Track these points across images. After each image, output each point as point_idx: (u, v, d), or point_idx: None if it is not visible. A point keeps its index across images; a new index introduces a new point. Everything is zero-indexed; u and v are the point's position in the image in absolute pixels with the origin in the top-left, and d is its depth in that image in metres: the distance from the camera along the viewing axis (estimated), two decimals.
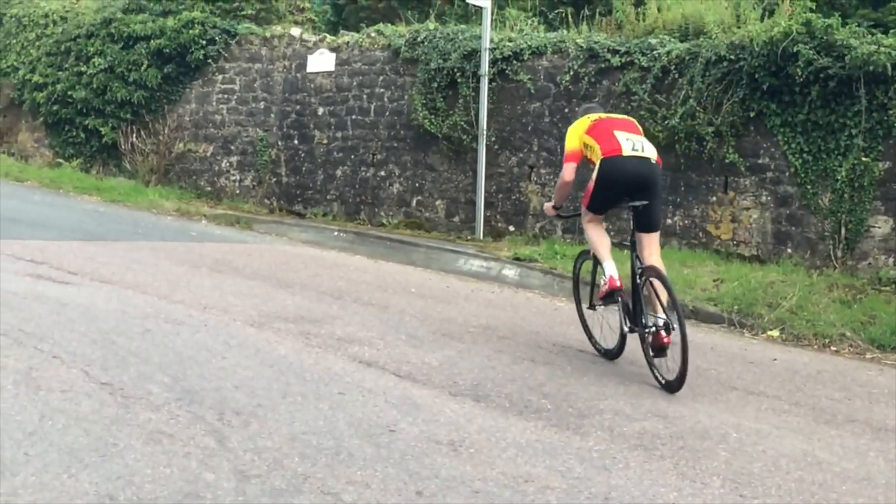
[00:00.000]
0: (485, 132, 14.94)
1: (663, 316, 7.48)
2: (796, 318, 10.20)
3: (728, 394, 7.45)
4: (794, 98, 12.35)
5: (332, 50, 17.24)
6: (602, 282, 8.00)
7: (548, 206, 8.94)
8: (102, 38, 19.53)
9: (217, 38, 18.43)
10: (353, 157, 16.86)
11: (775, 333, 10.06)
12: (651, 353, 7.60)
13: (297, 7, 20.05)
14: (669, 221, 13.55)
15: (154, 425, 5.31)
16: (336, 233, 15.37)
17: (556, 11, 17.27)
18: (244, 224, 15.88)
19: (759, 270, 11.71)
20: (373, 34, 16.90)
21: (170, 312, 8.14)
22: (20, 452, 4.73)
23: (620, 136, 7.93)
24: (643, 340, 7.81)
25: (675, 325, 7.32)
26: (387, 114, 16.43)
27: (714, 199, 13.22)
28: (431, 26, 16.33)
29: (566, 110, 14.43)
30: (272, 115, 17.95)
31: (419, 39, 16.00)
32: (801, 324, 10.08)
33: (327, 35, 18.01)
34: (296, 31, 18.06)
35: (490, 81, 14.89)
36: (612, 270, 7.91)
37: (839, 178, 12.08)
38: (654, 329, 7.52)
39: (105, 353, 6.62)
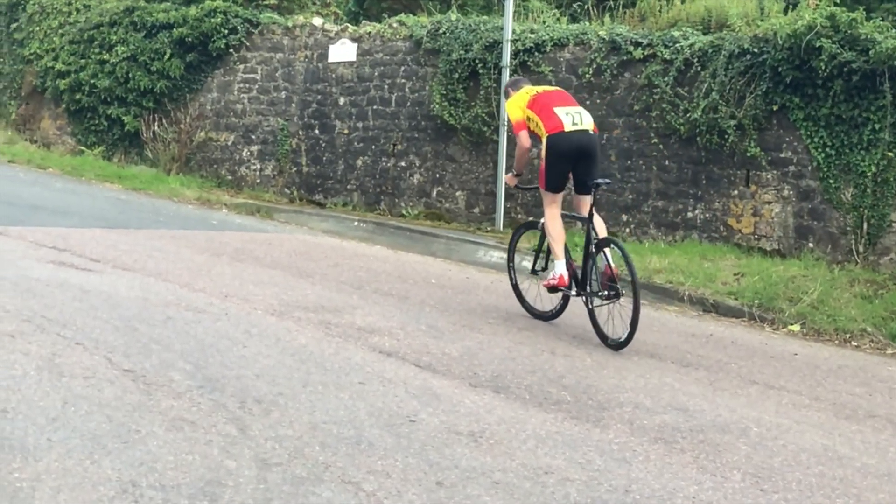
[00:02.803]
0: (506, 124, 14.92)
1: (615, 284, 8.37)
2: (817, 312, 10.17)
3: (748, 388, 7.44)
4: (818, 92, 12.29)
5: (354, 40, 17.24)
6: (551, 275, 8.78)
7: (508, 176, 9.70)
8: (125, 27, 19.58)
9: (239, 27, 18.44)
10: (373, 147, 16.87)
11: (796, 328, 10.03)
12: (605, 301, 8.44)
13: (321, 1, 20.04)
14: (690, 214, 13.52)
15: (176, 412, 5.33)
16: (356, 223, 15.39)
17: (578, 3, 17.22)
18: (264, 213, 15.91)
19: (781, 265, 11.67)
20: (395, 24, 16.89)
21: (191, 300, 8.17)
22: (43, 438, 4.76)
23: (560, 111, 8.78)
24: (590, 304, 8.59)
25: (623, 291, 8.36)
26: (408, 104, 16.42)
27: (736, 192, 13.18)
28: (453, 17, 16.30)
29: (587, 103, 14.38)
30: (293, 105, 17.96)
31: (441, 30, 15.98)
32: (822, 319, 10.06)
33: (349, 25, 17.99)
34: (318, 21, 18.06)
35: (511, 73, 14.85)
36: (563, 269, 8.71)
37: (862, 172, 12.02)
38: (605, 293, 8.42)
39: (127, 340, 6.66)
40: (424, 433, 5.49)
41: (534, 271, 9.46)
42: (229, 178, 18.57)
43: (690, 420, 6.35)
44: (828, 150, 12.31)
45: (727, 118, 12.95)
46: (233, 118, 18.69)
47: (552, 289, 8.83)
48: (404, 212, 16.26)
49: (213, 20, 18.44)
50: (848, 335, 9.79)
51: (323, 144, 17.55)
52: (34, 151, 20.11)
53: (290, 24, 18.17)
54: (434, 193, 16.11)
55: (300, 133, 17.85)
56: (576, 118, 8.76)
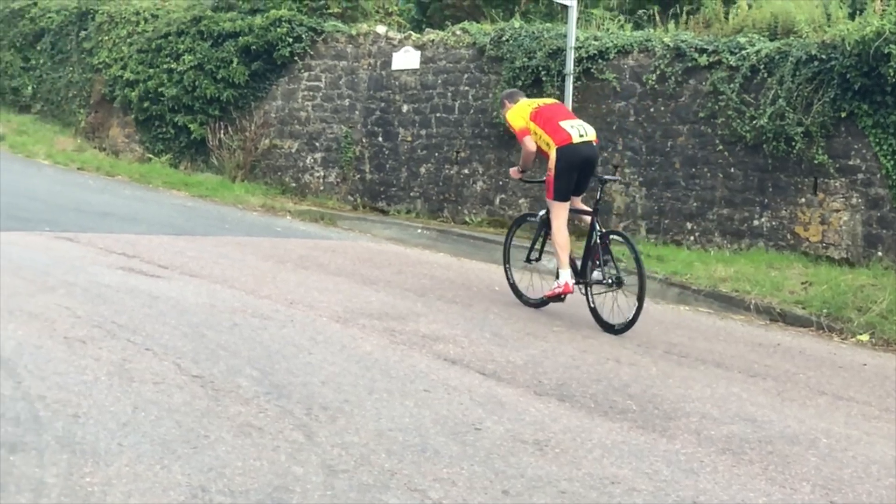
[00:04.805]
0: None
1: (615, 272, 9.15)
2: (887, 322, 10.02)
3: (817, 398, 7.35)
4: (886, 99, 12.11)
5: (418, 48, 17.29)
6: (556, 284, 9.40)
7: (513, 170, 10.38)
8: (192, 36, 19.82)
9: (304, 35, 18.58)
10: (436, 154, 16.91)
11: (865, 338, 9.89)
12: (606, 289, 9.16)
13: (384, 10, 20.14)
14: (756, 223, 13.38)
15: (244, 418, 5.38)
16: (419, 230, 15.43)
17: (642, 10, 17.12)
18: (328, 220, 16.01)
19: (849, 273, 11.51)
20: (458, 32, 16.92)
21: (257, 307, 8.24)
22: (114, 443, 4.82)
23: (566, 125, 9.44)
24: (588, 291, 9.31)
25: (625, 280, 9.10)
26: (471, 112, 16.44)
27: (803, 200, 13.02)
28: (517, 24, 16.29)
29: (651, 110, 14.32)
30: (357, 113, 18.06)
31: (504, 38, 15.98)
32: (891, 329, 9.90)
33: (412, 33, 18.06)
34: (381, 29, 18.15)
35: (575, 80, 14.82)
36: (569, 278, 9.34)
37: None
38: (608, 281, 9.13)
39: (195, 346, 6.73)
40: (490, 441, 5.49)
41: (528, 260, 10.07)
42: (293, 185, 18.71)
43: (758, 431, 6.28)
44: None
45: (794, 125, 12.80)
46: (297, 126, 18.84)
47: (556, 297, 9.44)
48: (467, 219, 16.28)
49: (278, 29, 18.61)
50: None
51: (386, 152, 17.63)
52: (103, 159, 20.40)
53: (353, 32, 18.28)
54: (497, 201, 16.12)
55: (364, 140, 17.95)
56: (581, 130, 9.42)
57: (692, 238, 13.92)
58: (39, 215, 12.18)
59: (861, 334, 9.95)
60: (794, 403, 7.12)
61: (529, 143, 9.59)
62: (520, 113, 9.74)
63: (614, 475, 5.17)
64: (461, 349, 7.61)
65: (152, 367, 6.13)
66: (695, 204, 13.95)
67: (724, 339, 9.32)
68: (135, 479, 4.45)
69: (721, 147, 13.66)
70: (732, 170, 13.61)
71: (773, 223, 13.27)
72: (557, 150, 9.34)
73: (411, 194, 17.24)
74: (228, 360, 6.50)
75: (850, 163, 12.63)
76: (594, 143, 9.57)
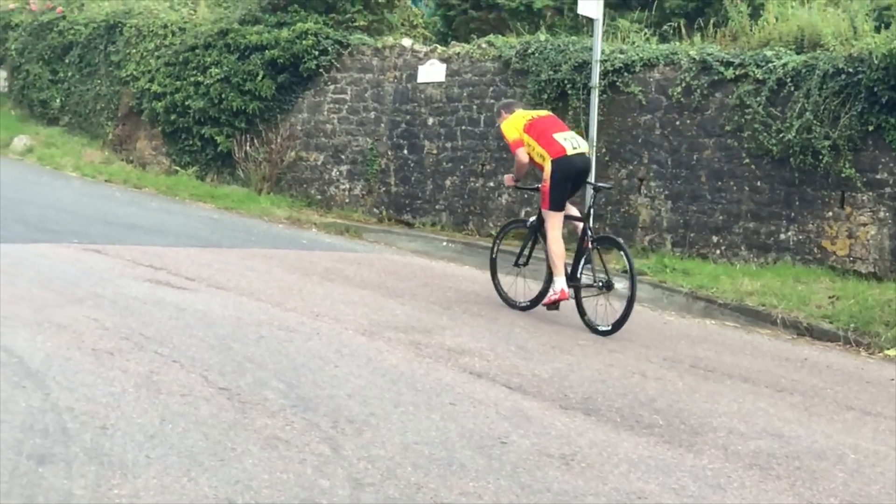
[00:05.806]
0: (595, 144, 14.86)
1: (605, 276, 9.58)
2: None
3: (845, 414, 7.31)
4: None
5: (443, 61, 17.32)
6: (552, 291, 9.71)
7: (508, 177, 10.72)
8: (219, 49, 19.89)
9: (330, 48, 18.63)
10: (462, 167, 16.92)
11: (893, 353, 9.83)
12: (597, 292, 9.58)
13: (410, 23, 20.17)
14: (783, 236, 13.32)
15: (270, 431, 5.40)
16: (444, 243, 15.44)
17: (668, 23, 17.08)
18: (353, 233, 16.04)
19: (877, 288, 11.44)
20: (483, 45, 16.93)
21: (283, 320, 8.27)
22: (141, 455, 4.85)
23: (559, 137, 9.82)
24: (577, 295, 9.66)
25: (615, 284, 9.57)
26: (496, 125, 16.42)
27: (830, 214, 12.95)
28: (542, 38, 16.28)
29: (677, 123, 14.29)
30: (382, 125, 18.10)
31: (530, 51, 15.98)
32: None
33: (438, 46, 18.08)
34: (407, 42, 18.19)
35: (601, 93, 14.79)
36: (564, 285, 9.64)
37: None
38: (599, 284, 9.54)
39: (222, 359, 6.76)
40: (516, 455, 5.49)
41: (517, 264, 10.42)
42: (319, 197, 18.75)
43: (786, 446, 6.25)
44: None
45: (821, 139, 12.74)
46: (322, 138, 18.89)
47: (553, 304, 9.74)
48: (492, 232, 16.25)
49: (304, 42, 18.67)
50: None
51: (411, 164, 17.66)
52: (130, 171, 20.50)
53: (379, 45, 18.33)
54: (522, 214, 16.09)
55: (389, 153, 17.98)
56: (573, 143, 9.82)
57: (718, 252, 13.87)
58: (67, 227, 12.27)
59: (889, 349, 9.89)
60: (821, 418, 7.09)
61: (522, 155, 9.95)
62: (514, 124, 10.09)
63: (641, 490, 5.16)
64: (487, 362, 7.61)
65: (179, 379, 6.17)
66: (721, 217, 13.90)
67: (751, 354, 9.28)
68: (162, 491, 4.47)
69: (747, 160, 13.61)
70: (759, 183, 13.55)
71: (800, 237, 13.20)
72: (553, 162, 9.70)
73: (436, 207, 17.25)
74: (255, 372, 6.53)
75: (878, 176, 12.56)
76: (587, 155, 10.03)
